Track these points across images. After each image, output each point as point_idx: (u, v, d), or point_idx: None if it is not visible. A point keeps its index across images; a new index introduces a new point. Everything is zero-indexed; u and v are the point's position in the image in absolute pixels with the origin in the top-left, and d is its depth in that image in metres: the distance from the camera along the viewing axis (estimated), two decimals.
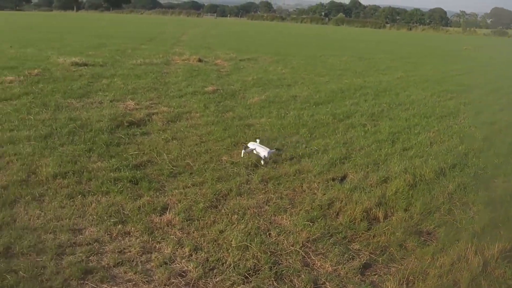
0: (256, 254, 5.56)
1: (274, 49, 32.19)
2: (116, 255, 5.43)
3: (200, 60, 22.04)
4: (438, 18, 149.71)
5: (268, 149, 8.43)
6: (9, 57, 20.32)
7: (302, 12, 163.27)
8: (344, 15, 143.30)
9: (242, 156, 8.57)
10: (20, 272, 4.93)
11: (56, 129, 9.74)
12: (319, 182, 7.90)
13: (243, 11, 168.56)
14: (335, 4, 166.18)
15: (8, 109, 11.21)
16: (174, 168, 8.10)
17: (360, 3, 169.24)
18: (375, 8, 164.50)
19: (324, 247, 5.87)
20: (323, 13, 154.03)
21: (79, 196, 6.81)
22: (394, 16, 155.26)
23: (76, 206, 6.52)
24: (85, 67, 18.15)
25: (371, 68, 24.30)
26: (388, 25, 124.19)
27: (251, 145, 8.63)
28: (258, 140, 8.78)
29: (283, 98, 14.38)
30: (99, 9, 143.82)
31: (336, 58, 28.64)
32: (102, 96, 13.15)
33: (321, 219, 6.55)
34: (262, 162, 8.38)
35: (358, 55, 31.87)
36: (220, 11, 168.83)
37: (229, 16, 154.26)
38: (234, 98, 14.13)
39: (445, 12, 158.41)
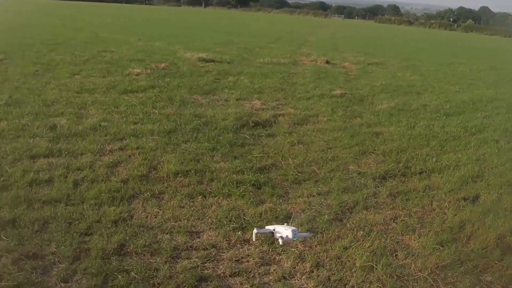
0: (381, 277, 5.04)
1: (402, 54, 31.22)
2: (233, 264, 5.11)
3: (327, 62, 21.57)
4: None
5: (291, 228, 5.26)
6: (137, 49, 20.79)
7: (430, 17, 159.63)
8: (473, 22, 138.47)
9: (254, 240, 5.82)
10: (132, 273, 4.70)
11: (180, 125, 9.59)
12: (449, 201, 7.19)
13: (370, 13, 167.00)
14: (464, 10, 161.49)
15: (134, 101, 11.22)
16: (299, 174, 7.67)
17: (489, 10, 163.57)
18: (505, 16, 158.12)
19: (454, 275, 5.23)
20: (451, 19, 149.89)
21: (200, 197, 6.53)
22: None
23: (195, 207, 6.25)
24: (212, 63, 18.15)
25: (502, 79, 22.87)
26: None
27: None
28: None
29: (412, 107, 13.65)
30: (227, 6, 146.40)
31: (466, 66, 27.28)
32: (228, 94, 12.97)
33: (451, 243, 5.88)
34: (280, 241, 5.28)
35: (489, 64, 30.24)
36: (347, 12, 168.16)
37: (357, 18, 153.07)
38: (362, 103, 13.54)
39: None
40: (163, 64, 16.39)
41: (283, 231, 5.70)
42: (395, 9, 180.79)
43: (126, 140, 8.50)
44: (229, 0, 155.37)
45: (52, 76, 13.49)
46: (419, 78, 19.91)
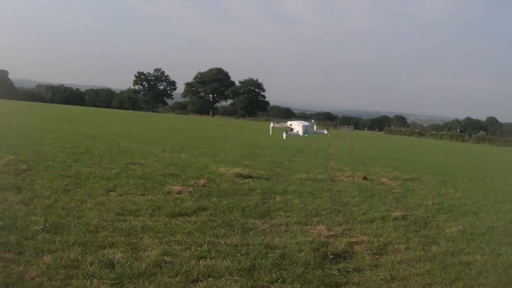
0: None
1: (430, 168, 30.32)
2: None
3: (365, 178, 20.32)
4: None
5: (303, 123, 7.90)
6: (165, 162, 19.83)
7: (437, 128, 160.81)
8: (485, 133, 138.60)
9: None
10: None
11: (256, 260, 8.35)
12: None
13: (377, 124, 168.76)
14: (471, 121, 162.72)
15: (189, 227, 10.08)
16: None
17: (497, 120, 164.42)
18: None
19: None
20: (458, 129, 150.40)
21: None
22: None
23: None
24: (251, 179, 17.00)
25: None
26: None
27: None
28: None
29: (480, 230, 12.36)
30: (235, 116, 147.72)
31: (500, 180, 26.32)
32: (285, 218, 11.79)
33: None
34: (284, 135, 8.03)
35: None
36: (354, 123, 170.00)
37: (366, 130, 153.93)
38: (428, 226, 12.34)
39: None
40: (201, 180, 15.36)
41: (296, 126, 6.38)
42: (401, 120, 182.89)
43: (202, 281, 7.28)
44: (237, 109, 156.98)
45: (86, 192, 12.47)
46: (463, 195, 18.67)
